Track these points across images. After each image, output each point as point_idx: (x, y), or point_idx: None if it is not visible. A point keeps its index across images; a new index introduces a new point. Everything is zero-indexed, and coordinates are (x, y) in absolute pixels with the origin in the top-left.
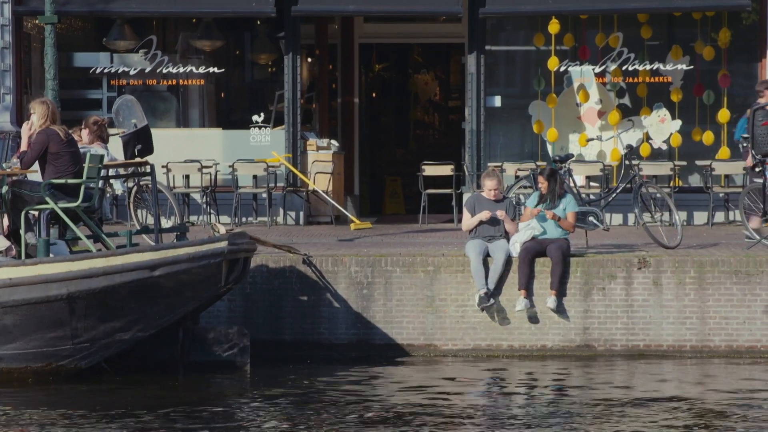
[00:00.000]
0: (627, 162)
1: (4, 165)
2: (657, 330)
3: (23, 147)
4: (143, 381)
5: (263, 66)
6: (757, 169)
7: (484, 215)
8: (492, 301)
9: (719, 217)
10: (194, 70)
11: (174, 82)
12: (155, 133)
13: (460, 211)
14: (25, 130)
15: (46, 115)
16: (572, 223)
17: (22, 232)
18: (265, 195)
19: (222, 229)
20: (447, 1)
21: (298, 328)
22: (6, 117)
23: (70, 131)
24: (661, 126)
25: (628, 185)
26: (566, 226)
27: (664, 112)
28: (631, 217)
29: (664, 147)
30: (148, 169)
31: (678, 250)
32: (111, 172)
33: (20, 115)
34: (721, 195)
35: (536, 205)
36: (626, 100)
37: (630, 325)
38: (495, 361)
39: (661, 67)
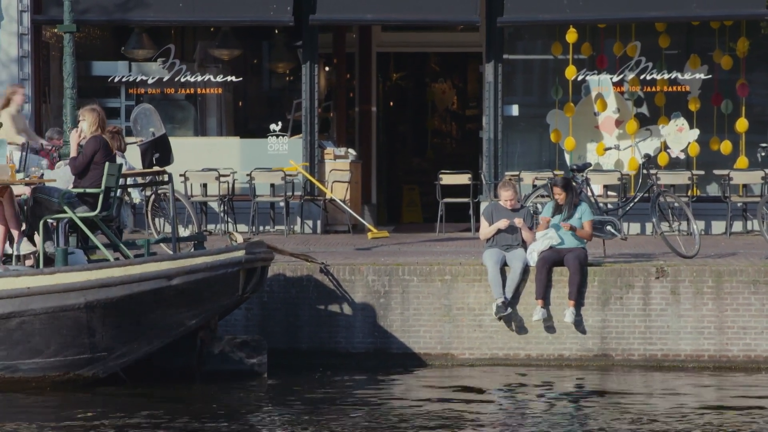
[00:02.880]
0: (645, 171)
1: (22, 174)
2: (675, 340)
3: (72, 153)
4: (161, 390)
5: (281, 75)
6: None
7: (502, 224)
8: (509, 310)
9: (737, 226)
10: (212, 78)
11: (192, 90)
12: (173, 141)
13: (478, 220)
14: (74, 138)
15: (96, 122)
16: (590, 232)
17: (40, 240)
18: (282, 204)
19: (239, 238)
20: (465, 10)
21: (315, 336)
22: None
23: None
24: (678, 135)
25: (646, 194)
26: (584, 235)
27: (682, 122)
28: (648, 227)
29: (682, 156)
30: (165, 177)
31: (696, 260)
32: (129, 180)
33: (38, 125)
34: (739, 204)
35: (552, 216)
36: (644, 109)
37: (648, 334)
38: (512, 370)
39: (679, 76)
